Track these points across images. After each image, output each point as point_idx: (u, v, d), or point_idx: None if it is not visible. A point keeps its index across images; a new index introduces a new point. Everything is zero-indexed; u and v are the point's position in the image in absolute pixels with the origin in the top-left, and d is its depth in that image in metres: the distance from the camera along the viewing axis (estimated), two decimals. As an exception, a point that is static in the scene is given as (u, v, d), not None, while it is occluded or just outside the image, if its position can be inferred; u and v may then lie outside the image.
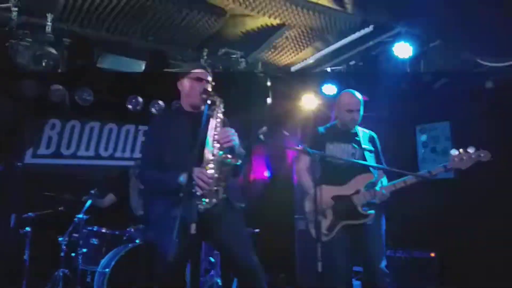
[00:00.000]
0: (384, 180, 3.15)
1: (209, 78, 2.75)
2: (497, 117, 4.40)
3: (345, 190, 3.08)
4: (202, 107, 2.63)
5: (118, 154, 5.54)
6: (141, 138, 5.67)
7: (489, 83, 4.40)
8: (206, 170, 2.47)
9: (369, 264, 3.03)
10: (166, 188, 2.54)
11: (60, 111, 5.10)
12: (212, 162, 2.50)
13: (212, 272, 4.14)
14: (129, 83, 5.15)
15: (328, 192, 3.04)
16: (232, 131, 2.57)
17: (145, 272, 3.61)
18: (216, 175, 2.47)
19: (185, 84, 2.75)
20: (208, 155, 2.52)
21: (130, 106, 5.25)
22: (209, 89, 2.71)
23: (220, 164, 2.48)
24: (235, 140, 2.56)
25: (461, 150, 2.92)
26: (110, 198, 4.62)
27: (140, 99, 5.27)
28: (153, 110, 5.35)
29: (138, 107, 5.27)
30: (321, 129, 3.31)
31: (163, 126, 2.73)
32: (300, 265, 4.94)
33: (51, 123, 5.22)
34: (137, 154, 5.60)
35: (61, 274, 4.02)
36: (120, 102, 5.25)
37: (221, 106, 2.59)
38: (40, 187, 4.56)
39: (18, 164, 4.17)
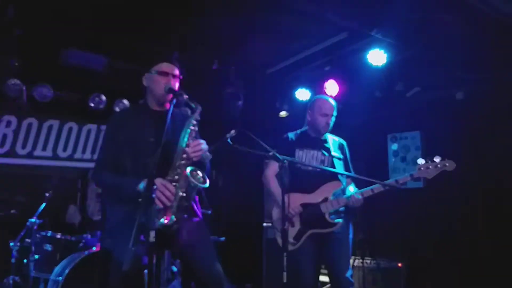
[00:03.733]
0: (353, 188, 3.10)
1: (176, 72, 2.53)
2: (466, 128, 4.44)
3: (313, 197, 3.01)
4: (168, 105, 2.45)
5: (77, 155, 5.25)
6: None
7: (460, 94, 4.44)
8: (171, 184, 2.29)
9: (335, 273, 2.96)
10: (123, 194, 2.34)
11: (16, 107, 4.80)
12: (178, 176, 2.31)
13: (174, 282, 3.97)
14: (92, 80, 4.94)
15: (296, 199, 2.96)
16: (203, 142, 2.39)
17: (101, 281, 3.39)
18: (180, 193, 2.29)
19: (149, 79, 2.54)
20: (176, 165, 2.33)
21: (92, 104, 5.00)
22: (176, 84, 2.52)
23: (187, 183, 2.30)
24: (205, 151, 2.38)
25: (427, 159, 2.93)
26: (73, 210, 4.33)
27: (103, 97, 5.03)
28: (117, 109, 5.10)
29: (101, 106, 5.02)
30: (290, 135, 3.24)
31: (124, 124, 2.49)
32: (267, 275, 4.81)
33: (6, 119, 4.89)
34: (99, 155, 5.33)
35: (11, 281, 3.77)
36: (81, 100, 4.99)
37: (197, 114, 2.39)
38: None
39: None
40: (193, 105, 2.39)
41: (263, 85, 4.80)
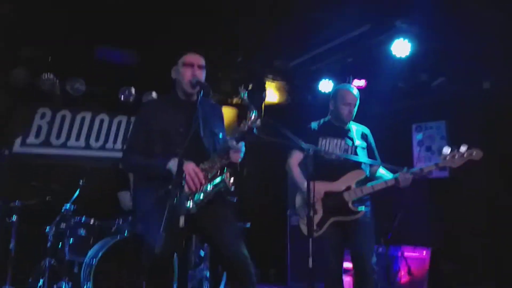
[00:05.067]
0: (383, 170, 3.13)
1: (202, 62, 2.61)
2: (493, 118, 4.39)
3: (336, 186, 3.05)
4: (195, 95, 2.53)
5: (109, 145, 5.45)
6: (133, 129, 5.57)
7: (486, 83, 4.38)
8: (202, 173, 2.40)
9: (359, 260, 2.99)
10: (153, 173, 2.45)
11: (50, 100, 5.02)
12: (212, 169, 2.44)
13: (202, 266, 4.09)
14: (123, 73, 5.11)
15: (319, 187, 2.99)
16: (243, 148, 2.49)
17: (132, 264, 3.55)
18: (209, 188, 2.40)
19: (176, 71, 2.64)
20: (214, 158, 2.46)
21: (122, 97, 5.18)
22: (202, 74, 2.60)
23: (216, 185, 2.41)
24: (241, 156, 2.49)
25: (453, 148, 2.91)
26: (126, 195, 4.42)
27: (133, 90, 5.20)
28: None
29: (131, 98, 5.19)
30: (313, 124, 3.29)
31: (154, 113, 2.60)
32: (291, 261, 4.90)
33: (41, 112, 5.11)
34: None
35: (47, 264, 3.94)
36: (112, 93, 5.17)
37: (253, 117, 2.43)
38: (28, 176, 4.50)
39: (5, 152, 4.07)
40: (253, 112, 2.44)
41: (287, 77, 4.84)
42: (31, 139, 5.03)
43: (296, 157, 3.19)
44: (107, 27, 4.40)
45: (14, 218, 3.99)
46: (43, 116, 5.13)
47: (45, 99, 5.00)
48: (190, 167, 2.38)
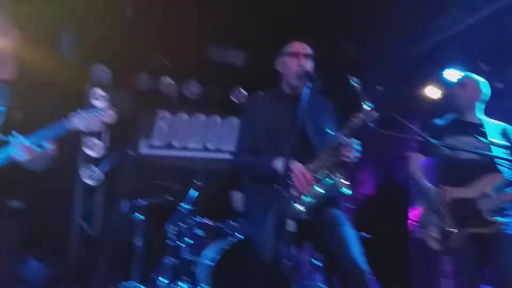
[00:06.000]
0: None
1: (308, 51, 2.43)
2: None
3: (468, 192, 2.61)
4: (301, 88, 2.35)
5: (223, 147, 5.57)
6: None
7: None
8: (310, 174, 2.23)
9: (503, 282, 2.52)
10: (259, 173, 2.35)
11: (169, 104, 5.29)
12: (321, 169, 2.25)
13: (317, 276, 3.93)
14: (235, 74, 5.18)
15: (448, 194, 2.62)
16: (358, 146, 2.26)
17: (245, 268, 3.52)
18: (318, 190, 2.22)
19: (280, 63, 2.49)
20: (322, 157, 2.27)
21: (234, 98, 5.26)
22: (309, 64, 2.41)
23: (326, 187, 2.23)
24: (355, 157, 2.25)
25: None
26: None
27: (243, 91, 5.24)
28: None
29: (242, 99, 5.24)
30: (438, 121, 2.88)
31: (258, 111, 2.50)
32: (416, 277, 4.44)
33: (162, 115, 5.43)
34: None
35: (168, 262, 4.12)
36: (224, 94, 5.27)
37: (368, 109, 2.21)
38: (151, 176, 4.80)
39: (131, 153, 4.40)
40: (366, 103, 2.22)
41: (406, 67, 4.41)
42: (154, 141, 5.37)
43: (415, 159, 2.83)
44: (219, 27, 4.47)
45: (140, 216, 4.26)
46: (163, 119, 5.44)
47: (164, 102, 5.30)
48: (296, 167, 2.22)
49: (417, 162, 2.82)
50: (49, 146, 2.17)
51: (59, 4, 4.05)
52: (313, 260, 3.98)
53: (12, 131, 2.03)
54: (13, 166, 2.07)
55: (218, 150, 5.55)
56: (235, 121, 5.58)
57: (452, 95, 2.91)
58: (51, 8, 3.93)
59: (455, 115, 2.87)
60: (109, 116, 2.10)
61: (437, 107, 4.49)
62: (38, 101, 2.26)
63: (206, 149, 5.52)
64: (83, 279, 4.33)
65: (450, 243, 2.57)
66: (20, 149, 2.00)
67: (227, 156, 5.41)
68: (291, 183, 2.19)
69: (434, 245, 2.56)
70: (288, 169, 2.15)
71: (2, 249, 2.15)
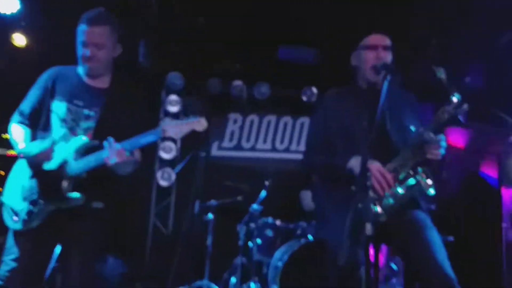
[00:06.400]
0: None
1: (387, 43, 2.29)
2: None
3: None
4: (380, 82, 2.20)
5: (293, 147, 5.50)
6: (316, 131, 5.52)
7: None
8: (389, 173, 2.09)
9: None
10: (333, 174, 2.22)
11: (240, 106, 5.33)
12: (403, 169, 2.10)
13: (394, 280, 3.71)
14: (305, 73, 5.09)
15: None
16: (443, 141, 2.09)
17: (318, 270, 3.40)
18: (399, 191, 2.07)
19: (357, 57, 2.36)
20: (404, 155, 2.12)
21: (304, 98, 5.17)
22: (388, 56, 2.26)
23: (408, 186, 2.07)
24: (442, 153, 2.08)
25: None
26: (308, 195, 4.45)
27: (315, 90, 5.13)
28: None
29: (313, 98, 5.13)
30: None
31: (333, 108, 2.38)
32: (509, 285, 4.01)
33: (233, 117, 5.48)
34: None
35: (239, 262, 4.12)
36: (295, 94, 5.20)
37: (456, 101, 2.01)
38: (223, 177, 4.84)
39: (202, 155, 4.48)
40: (455, 94, 2.02)
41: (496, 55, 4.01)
42: (225, 143, 5.43)
43: None
44: (288, 26, 4.41)
45: (211, 216, 4.30)
46: (235, 121, 5.49)
47: (235, 105, 5.35)
48: (375, 167, 2.08)
49: None
50: (137, 152, 2.26)
51: (134, 13, 4.24)
52: (391, 264, 3.77)
53: (108, 136, 2.12)
54: (102, 169, 2.15)
55: (287, 150, 5.47)
56: (305, 120, 5.48)
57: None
58: (129, 18, 4.11)
59: None
60: (201, 124, 2.13)
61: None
62: (125, 107, 2.29)
63: (275, 149, 5.47)
64: (159, 277, 4.45)
65: None
66: (113, 153, 2.08)
67: (296, 156, 5.38)
68: (369, 184, 2.05)
69: None
70: (366, 169, 2.02)
71: (88, 248, 2.24)
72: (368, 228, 1.98)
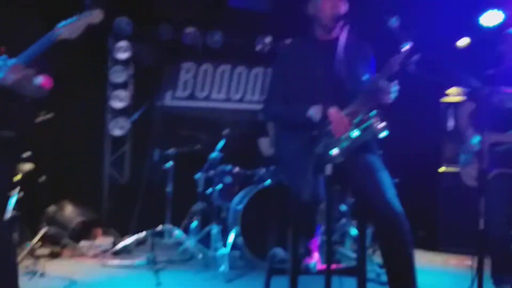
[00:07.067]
0: None
1: None
2: None
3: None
4: (336, 32, 2.31)
5: (247, 97, 5.58)
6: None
7: None
8: (346, 118, 2.22)
9: None
10: (293, 121, 2.36)
11: (193, 55, 5.27)
12: (357, 113, 2.23)
13: (344, 221, 4.02)
14: (258, 22, 5.07)
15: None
16: (396, 88, 2.21)
17: (275, 212, 3.63)
18: (354, 134, 2.20)
19: (314, 5, 2.40)
20: (358, 101, 2.24)
21: (259, 47, 5.18)
22: (343, 6, 2.34)
23: (363, 128, 2.20)
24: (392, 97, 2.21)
25: None
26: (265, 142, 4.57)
27: (269, 39, 5.15)
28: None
29: (267, 48, 5.17)
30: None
31: (291, 57, 2.46)
32: (444, 224, 4.49)
33: (186, 66, 5.42)
34: (266, 97, 5.58)
35: (199, 207, 4.28)
36: (249, 43, 5.20)
37: (408, 50, 2.13)
38: (178, 127, 4.87)
39: (159, 104, 4.45)
40: (407, 43, 2.13)
41: (436, 9, 4.20)
42: (179, 93, 5.39)
43: (466, 108, 2.82)
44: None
45: (171, 163, 4.36)
46: (187, 70, 5.43)
47: (188, 53, 5.27)
48: (333, 112, 2.22)
49: (468, 111, 2.81)
50: (41, 78, 2.09)
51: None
52: (341, 206, 4.07)
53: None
54: (4, 93, 1.97)
55: (242, 100, 5.55)
56: (259, 71, 5.54)
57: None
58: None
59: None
60: (96, 15, 2.01)
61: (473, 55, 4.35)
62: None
63: (229, 99, 5.53)
64: (118, 224, 4.52)
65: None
66: (8, 70, 1.93)
67: (250, 106, 5.48)
68: (329, 129, 2.21)
69: (471, 182, 2.59)
70: (326, 115, 2.16)
71: None
72: (328, 168, 2.18)
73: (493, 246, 2.63)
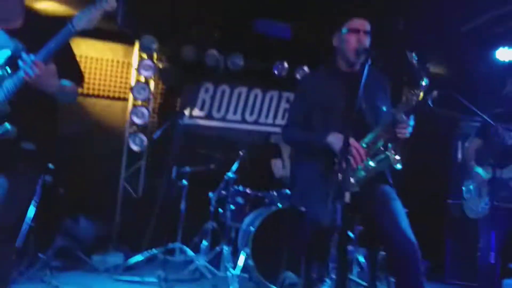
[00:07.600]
0: None
1: (368, 28, 2.43)
2: None
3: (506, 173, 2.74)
4: (359, 66, 2.39)
5: (262, 119, 5.67)
6: (283, 105, 5.70)
7: None
8: (363, 149, 2.29)
9: None
10: (312, 147, 2.42)
11: (213, 75, 5.38)
12: (374, 145, 2.30)
13: (351, 248, 4.01)
14: (278, 47, 5.19)
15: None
16: (411, 120, 2.29)
17: (288, 235, 3.63)
18: (371, 164, 2.27)
19: (339, 38, 2.49)
20: (376, 133, 2.31)
21: (275, 72, 5.29)
22: (367, 41, 2.41)
23: (379, 160, 2.28)
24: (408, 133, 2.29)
25: None
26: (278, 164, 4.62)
27: (286, 65, 5.26)
28: (298, 76, 5.33)
29: (283, 73, 5.28)
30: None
31: (314, 86, 2.54)
32: (451, 256, 4.47)
33: (205, 86, 5.53)
34: (279, 121, 5.67)
35: (210, 226, 4.31)
36: (266, 67, 5.32)
37: (426, 86, 2.21)
38: (194, 145, 4.95)
39: (180, 122, 4.52)
40: (425, 79, 2.21)
41: (457, 45, 4.30)
42: (196, 111, 5.49)
43: (474, 143, 2.88)
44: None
45: (185, 182, 4.43)
46: (206, 90, 5.55)
47: (209, 74, 5.39)
48: (351, 142, 2.27)
49: (475, 146, 2.87)
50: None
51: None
52: (348, 233, 4.06)
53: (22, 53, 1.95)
54: (27, 96, 1.95)
55: (256, 123, 5.63)
56: (274, 94, 5.64)
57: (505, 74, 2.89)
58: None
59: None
60: (110, 3, 1.98)
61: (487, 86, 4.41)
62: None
63: (244, 120, 5.61)
64: (130, 239, 4.56)
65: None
66: (29, 66, 1.91)
67: (264, 128, 5.56)
68: (348, 157, 2.26)
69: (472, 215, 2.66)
70: (347, 144, 2.22)
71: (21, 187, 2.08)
72: (347, 196, 2.22)
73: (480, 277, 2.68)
